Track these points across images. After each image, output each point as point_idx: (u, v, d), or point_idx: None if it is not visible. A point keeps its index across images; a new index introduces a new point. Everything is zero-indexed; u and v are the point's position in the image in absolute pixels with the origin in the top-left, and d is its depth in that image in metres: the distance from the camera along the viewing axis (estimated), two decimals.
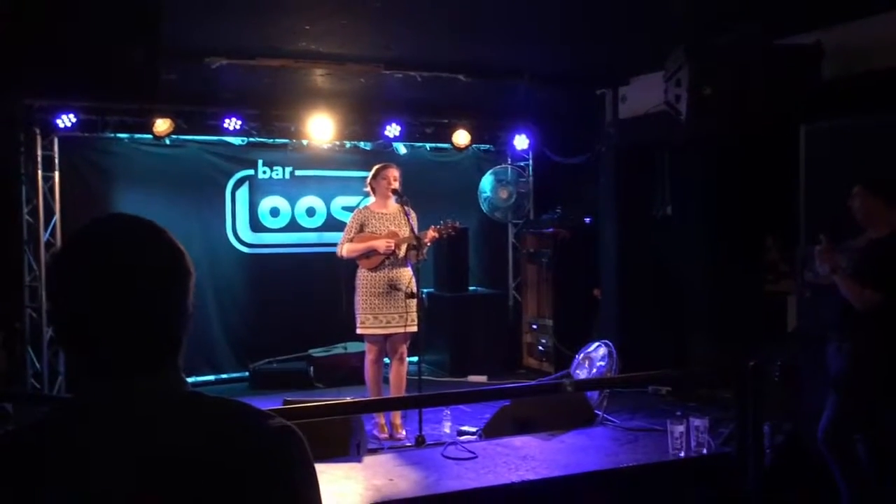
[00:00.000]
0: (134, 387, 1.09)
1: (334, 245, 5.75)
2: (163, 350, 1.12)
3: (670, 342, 7.04)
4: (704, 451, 4.20)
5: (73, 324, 1.09)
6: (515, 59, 6.41)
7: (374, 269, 5.52)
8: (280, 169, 7.99)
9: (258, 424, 1.12)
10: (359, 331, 5.59)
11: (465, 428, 5.50)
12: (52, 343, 6.92)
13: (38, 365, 6.83)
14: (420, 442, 5.14)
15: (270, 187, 7.98)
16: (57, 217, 6.92)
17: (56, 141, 6.92)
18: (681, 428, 4.19)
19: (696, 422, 4.22)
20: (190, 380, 1.16)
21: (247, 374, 7.58)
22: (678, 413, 5.12)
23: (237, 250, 7.87)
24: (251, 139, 7.67)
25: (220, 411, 1.13)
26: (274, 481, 1.08)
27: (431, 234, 5.55)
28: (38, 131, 6.77)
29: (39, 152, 6.81)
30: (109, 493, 1.02)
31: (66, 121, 6.66)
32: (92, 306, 1.07)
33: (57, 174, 6.94)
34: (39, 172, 6.82)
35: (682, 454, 4.20)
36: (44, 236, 6.85)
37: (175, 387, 1.13)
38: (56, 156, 6.93)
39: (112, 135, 7.11)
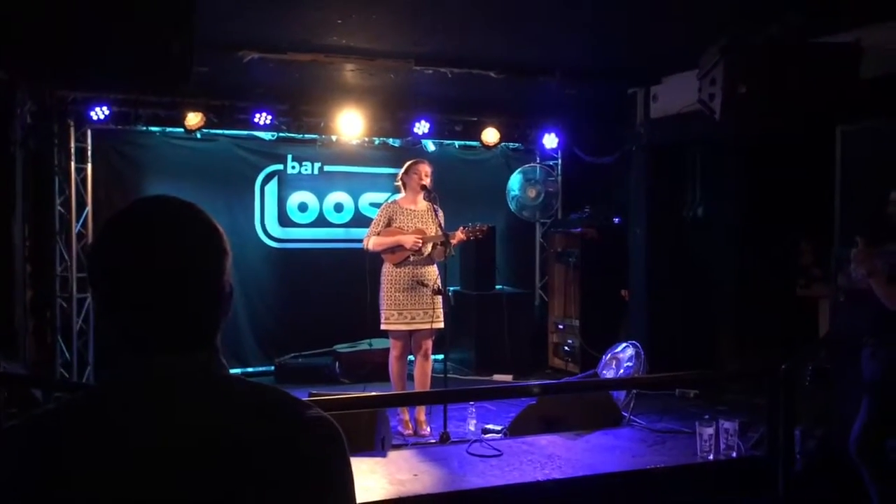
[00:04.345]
0: (172, 365, 1.08)
1: (361, 241, 5.75)
2: (201, 328, 1.12)
3: (699, 345, 6.96)
4: (734, 454, 4.13)
5: (114, 299, 1.10)
6: (547, 56, 6.36)
7: (399, 264, 5.50)
8: (309, 164, 8.02)
9: (296, 413, 1.11)
10: (383, 326, 5.58)
11: (490, 426, 5.47)
12: (82, 333, 7.01)
13: (67, 354, 6.91)
14: (445, 439, 5.12)
15: (299, 182, 8.02)
16: (89, 209, 7.01)
17: (89, 133, 7.01)
18: (710, 430, 4.13)
19: (726, 424, 4.15)
20: None
21: (272, 367, 7.61)
22: (706, 416, 5.06)
23: (265, 244, 7.90)
24: (281, 134, 7.69)
25: (258, 397, 1.12)
26: (308, 470, 1.07)
27: (459, 235, 5.52)
28: (71, 123, 6.86)
29: (73, 144, 6.90)
30: (142, 470, 1.02)
31: (99, 113, 6.73)
32: (132, 282, 1.08)
33: (90, 166, 7.03)
34: (72, 164, 6.91)
35: (711, 457, 4.14)
36: (76, 227, 6.94)
37: (213, 368, 1.12)
38: (89, 148, 7.02)
39: (144, 128, 7.17)
